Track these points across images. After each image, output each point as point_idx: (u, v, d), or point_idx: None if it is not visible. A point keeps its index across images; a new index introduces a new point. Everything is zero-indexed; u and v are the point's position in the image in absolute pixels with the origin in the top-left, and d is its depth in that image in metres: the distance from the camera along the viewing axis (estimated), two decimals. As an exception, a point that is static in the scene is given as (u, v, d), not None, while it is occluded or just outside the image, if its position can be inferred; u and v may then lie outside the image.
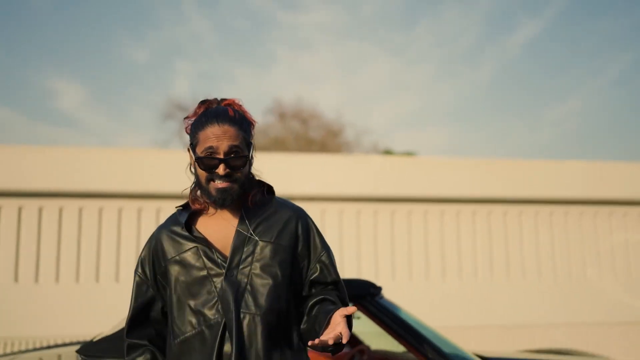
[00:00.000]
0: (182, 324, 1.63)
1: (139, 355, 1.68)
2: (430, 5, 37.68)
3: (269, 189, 1.79)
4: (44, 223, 5.45)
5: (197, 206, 1.72)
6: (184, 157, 1.95)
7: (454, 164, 6.21)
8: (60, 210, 5.48)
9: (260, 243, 1.66)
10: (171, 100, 30.20)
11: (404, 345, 2.69)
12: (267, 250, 1.66)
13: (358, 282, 2.82)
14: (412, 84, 38.32)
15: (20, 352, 3.11)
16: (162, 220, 5.44)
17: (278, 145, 20.68)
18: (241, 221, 1.69)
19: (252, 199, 1.72)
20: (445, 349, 2.74)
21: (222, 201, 1.65)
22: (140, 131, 35.81)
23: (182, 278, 1.66)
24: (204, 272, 1.64)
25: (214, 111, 1.68)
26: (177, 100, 24.93)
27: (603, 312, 6.15)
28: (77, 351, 2.56)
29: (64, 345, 3.08)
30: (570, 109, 36.79)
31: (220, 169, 1.63)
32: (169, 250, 1.69)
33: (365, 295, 2.75)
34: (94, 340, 2.61)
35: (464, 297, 5.99)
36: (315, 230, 1.77)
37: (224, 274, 1.63)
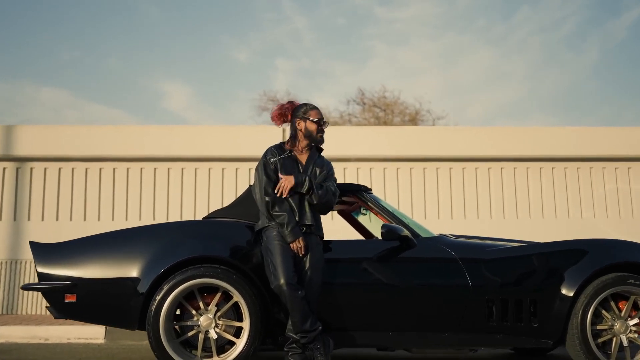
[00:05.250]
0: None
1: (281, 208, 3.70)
2: (529, -9, 37.08)
3: (320, 149, 4.01)
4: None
5: (288, 147, 3.94)
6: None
7: (467, 131, 7.99)
8: (169, 170, 7.94)
9: (317, 168, 3.90)
10: (267, 94, 32.70)
11: (381, 218, 4.66)
12: (318, 170, 3.88)
13: (356, 184, 4.82)
14: (512, 73, 37.92)
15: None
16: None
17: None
18: (311, 155, 3.91)
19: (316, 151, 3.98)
20: (408, 222, 4.68)
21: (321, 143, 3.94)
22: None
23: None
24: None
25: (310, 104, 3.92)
26: (272, 94, 27.40)
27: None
28: (204, 217, 4.73)
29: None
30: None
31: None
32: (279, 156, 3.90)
33: (359, 190, 4.75)
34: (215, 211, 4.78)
35: (481, 233, 7.77)
36: (331, 165, 3.99)
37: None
